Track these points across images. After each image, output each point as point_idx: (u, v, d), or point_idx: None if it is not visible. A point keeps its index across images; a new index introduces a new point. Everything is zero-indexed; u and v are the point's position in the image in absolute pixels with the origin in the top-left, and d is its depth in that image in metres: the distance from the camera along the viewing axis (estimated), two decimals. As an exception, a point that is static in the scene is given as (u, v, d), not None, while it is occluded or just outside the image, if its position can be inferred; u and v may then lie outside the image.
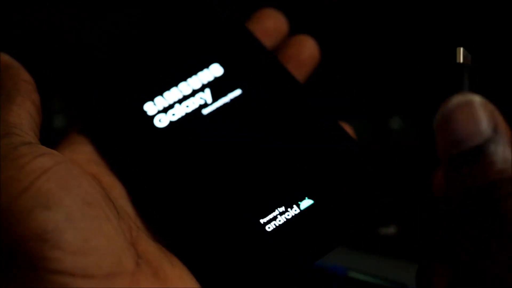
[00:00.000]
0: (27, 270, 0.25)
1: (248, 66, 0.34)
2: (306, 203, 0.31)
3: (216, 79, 0.34)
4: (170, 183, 0.31)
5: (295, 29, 0.40)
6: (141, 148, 0.32)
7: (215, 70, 0.34)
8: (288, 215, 0.31)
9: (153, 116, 0.32)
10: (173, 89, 0.33)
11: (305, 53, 0.35)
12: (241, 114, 0.33)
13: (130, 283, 0.27)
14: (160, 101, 0.33)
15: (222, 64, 0.34)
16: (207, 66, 0.34)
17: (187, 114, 0.33)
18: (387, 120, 0.51)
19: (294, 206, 0.31)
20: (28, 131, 0.29)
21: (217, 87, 0.33)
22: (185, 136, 0.32)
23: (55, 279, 0.25)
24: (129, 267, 0.27)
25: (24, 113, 0.30)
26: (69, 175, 0.27)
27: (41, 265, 0.25)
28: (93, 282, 0.26)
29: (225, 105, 0.33)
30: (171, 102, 0.33)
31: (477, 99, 0.24)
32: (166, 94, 0.33)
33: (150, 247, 0.30)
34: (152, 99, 0.33)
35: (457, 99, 0.24)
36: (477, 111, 0.24)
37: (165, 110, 0.33)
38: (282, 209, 0.31)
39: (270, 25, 0.36)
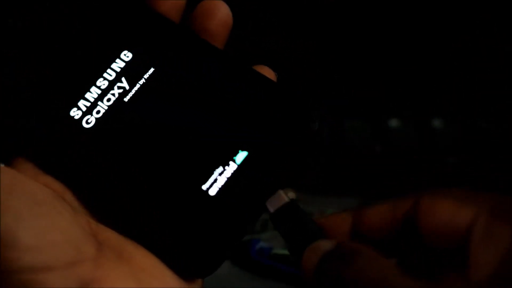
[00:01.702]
0: None
1: (154, 42, 0.35)
2: (241, 156, 0.32)
3: (128, 65, 0.34)
4: (112, 177, 0.32)
5: (295, 29, 0.39)
6: (77, 153, 0.33)
7: (125, 57, 0.35)
8: (227, 173, 0.31)
9: (80, 119, 0.33)
10: (92, 88, 0.34)
11: (213, 22, 0.35)
12: (160, 89, 0.34)
13: (93, 268, 0.28)
14: (83, 103, 0.34)
15: (129, 49, 0.35)
16: (118, 56, 0.35)
17: (110, 107, 0.33)
18: (387, 120, 0.51)
19: (231, 162, 0.31)
20: None
21: (131, 72, 0.34)
22: (115, 127, 0.33)
23: (17, 277, 0.27)
24: (89, 253, 0.28)
25: None
26: (15, 180, 0.29)
27: (3, 267, 0.27)
28: (54, 273, 0.27)
29: (143, 86, 0.34)
30: (93, 101, 0.34)
31: (315, 242, 0.30)
32: (87, 95, 0.34)
33: (112, 235, 0.30)
34: (75, 104, 0.34)
35: (306, 253, 0.30)
36: (315, 246, 0.30)
37: (89, 110, 0.33)
38: (220, 169, 0.31)
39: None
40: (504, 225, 0.27)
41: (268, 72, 0.35)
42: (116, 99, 0.34)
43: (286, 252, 0.48)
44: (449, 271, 0.29)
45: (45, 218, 0.28)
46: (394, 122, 0.51)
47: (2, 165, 0.30)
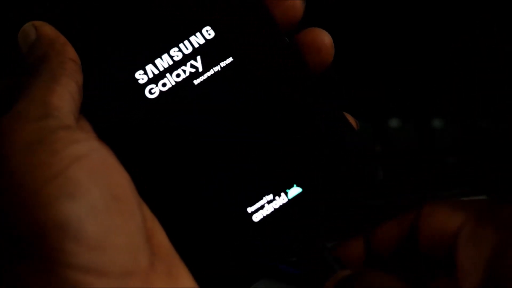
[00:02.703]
0: (40, 261, 0.25)
1: (241, 31, 0.32)
2: (294, 191, 0.30)
3: (207, 43, 0.32)
4: (161, 159, 0.30)
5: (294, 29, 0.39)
6: (133, 122, 0.31)
7: (207, 34, 0.32)
8: (275, 204, 0.30)
9: (144, 85, 0.31)
10: (165, 55, 0.32)
11: (322, 41, 0.33)
12: (233, 85, 0.31)
13: (143, 283, 0.26)
14: (151, 69, 0.32)
15: (213, 27, 0.32)
16: (199, 30, 0.32)
17: (177, 84, 0.31)
18: (387, 120, 0.51)
19: (282, 194, 0.30)
20: (68, 114, 0.28)
21: (209, 53, 0.32)
22: (177, 109, 0.31)
23: (67, 274, 0.24)
24: (143, 265, 0.26)
25: (67, 95, 0.28)
26: (102, 164, 0.26)
27: (56, 257, 0.24)
28: (106, 281, 0.25)
29: (216, 74, 0.31)
30: (162, 70, 0.31)
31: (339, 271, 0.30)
32: (157, 61, 0.32)
33: (163, 239, 0.29)
34: (143, 67, 0.32)
35: (328, 284, 0.30)
36: (334, 276, 0.30)
37: (156, 79, 0.31)
38: (270, 197, 0.30)
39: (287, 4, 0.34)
40: (488, 231, 0.27)
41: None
42: (186, 77, 0.31)
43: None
44: (441, 279, 0.29)
45: (117, 217, 0.26)
46: (394, 122, 0.51)
47: (95, 142, 0.27)
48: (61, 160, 0.26)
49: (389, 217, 0.31)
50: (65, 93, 0.28)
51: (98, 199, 0.26)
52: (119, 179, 0.27)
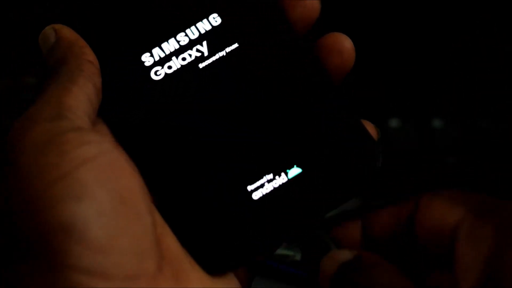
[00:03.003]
0: (44, 263, 0.24)
1: (247, 16, 0.33)
2: (294, 171, 0.30)
3: (213, 30, 0.33)
4: (162, 143, 0.31)
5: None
6: (138, 103, 0.31)
7: (213, 21, 0.33)
8: (275, 183, 0.30)
9: (150, 67, 0.32)
10: (171, 39, 0.33)
11: (343, 44, 0.34)
12: (238, 69, 0.32)
13: (149, 287, 0.26)
14: (158, 52, 0.32)
15: (220, 15, 0.33)
16: (206, 17, 0.33)
17: (182, 67, 0.32)
18: (387, 120, 0.51)
19: (282, 174, 0.30)
20: (82, 115, 0.28)
21: (215, 39, 0.32)
22: (182, 91, 0.32)
23: (70, 276, 0.24)
24: (150, 269, 0.26)
25: (83, 96, 0.28)
26: (111, 166, 0.26)
27: (60, 259, 0.24)
28: (110, 284, 0.25)
29: (221, 59, 0.32)
30: (168, 53, 0.32)
31: (333, 251, 0.30)
32: (164, 45, 0.32)
33: (173, 244, 0.29)
34: (149, 50, 0.32)
35: (322, 260, 0.30)
36: (334, 255, 0.30)
37: (162, 61, 0.32)
38: (270, 176, 0.30)
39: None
40: (486, 227, 0.27)
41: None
42: (192, 61, 0.32)
43: (286, 252, 0.48)
44: (438, 272, 0.29)
45: (124, 219, 0.26)
46: (394, 122, 0.51)
47: (107, 144, 0.27)
48: (69, 162, 0.26)
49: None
50: (80, 94, 0.28)
51: (104, 201, 0.25)
52: (127, 182, 0.27)
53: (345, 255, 0.29)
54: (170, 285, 0.27)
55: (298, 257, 0.47)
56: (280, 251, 0.48)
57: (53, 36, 0.31)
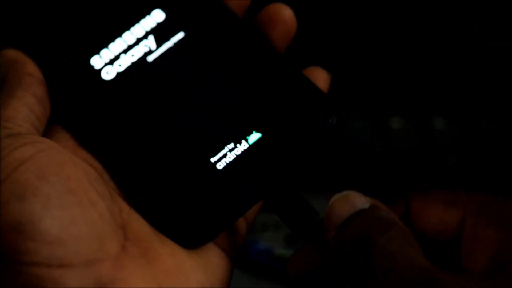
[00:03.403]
0: (2, 264, 0.25)
1: (188, 7, 0.34)
2: (254, 137, 0.31)
3: (158, 24, 0.34)
4: (123, 133, 0.31)
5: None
6: (92, 105, 0.32)
7: (157, 16, 0.34)
8: (237, 151, 0.31)
9: (100, 70, 0.33)
10: (118, 39, 0.33)
11: (276, 31, 0.34)
12: (186, 56, 0.33)
13: (112, 268, 0.27)
14: (106, 54, 0.33)
15: (163, 9, 0.34)
16: (148, 13, 0.34)
17: (133, 64, 0.33)
18: (387, 120, 0.51)
19: (243, 141, 0.31)
20: (22, 123, 0.29)
21: (160, 33, 0.33)
22: (133, 86, 0.32)
23: (30, 271, 0.25)
24: (112, 251, 0.27)
25: (22, 106, 0.29)
26: (52, 162, 0.27)
27: (16, 258, 0.25)
28: (71, 271, 0.26)
29: (169, 50, 0.33)
30: (117, 53, 0.33)
31: (350, 192, 0.29)
32: (111, 45, 0.33)
33: (142, 227, 0.29)
34: (98, 52, 0.33)
35: (335, 197, 0.29)
36: (350, 197, 0.28)
37: (111, 62, 0.33)
38: (231, 145, 0.31)
39: None
40: (490, 228, 0.27)
41: (321, 74, 0.34)
42: (141, 57, 0.33)
43: (286, 252, 0.48)
44: (444, 260, 0.29)
45: (74, 208, 0.26)
46: (394, 122, 0.51)
47: (46, 143, 0.28)
48: (5, 167, 0.26)
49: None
50: (19, 105, 0.29)
51: (49, 194, 0.26)
52: (73, 173, 0.27)
53: (362, 200, 0.28)
54: (136, 263, 0.28)
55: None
56: (280, 251, 0.48)
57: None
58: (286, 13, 0.34)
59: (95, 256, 0.26)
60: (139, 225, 0.29)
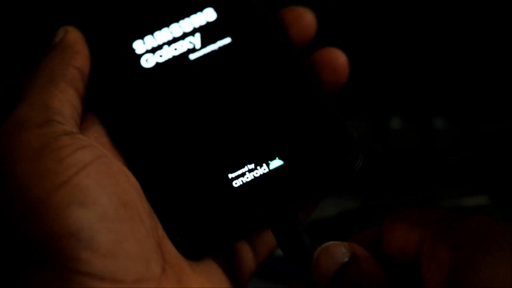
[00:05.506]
0: (55, 270, 0.24)
1: (241, 15, 0.33)
2: (275, 163, 0.31)
3: (208, 24, 0.33)
4: (149, 132, 0.31)
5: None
6: (126, 88, 0.31)
7: (209, 15, 0.33)
8: (256, 173, 0.31)
9: (141, 55, 0.32)
10: (164, 29, 0.33)
11: (337, 60, 0.34)
12: (228, 64, 0.32)
13: None
14: (150, 41, 0.33)
15: (216, 9, 0.33)
16: (200, 10, 0.33)
17: (174, 57, 0.32)
18: (387, 120, 0.51)
19: (264, 164, 0.31)
20: (69, 120, 0.28)
21: (208, 33, 0.33)
22: (168, 80, 0.32)
23: (82, 281, 0.24)
24: (156, 272, 0.26)
25: (66, 101, 0.28)
26: (108, 171, 0.26)
27: (71, 265, 0.24)
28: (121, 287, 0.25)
29: (212, 53, 0.33)
30: (160, 43, 0.33)
31: (329, 244, 0.29)
32: (156, 34, 0.33)
33: (172, 247, 0.29)
34: (142, 38, 0.33)
35: (317, 251, 0.29)
36: (332, 249, 0.29)
37: (153, 50, 0.32)
38: (251, 166, 0.31)
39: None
40: (444, 248, 0.26)
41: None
42: (183, 52, 0.33)
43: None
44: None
45: (127, 223, 0.26)
46: (394, 122, 0.51)
47: (100, 148, 0.27)
48: (67, 168, 0.25)
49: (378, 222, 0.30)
50: (64, 99, 0.28)
51: (107, 206, 0.25)
52: (126, 185, 0.27)
53: (341, 251, 0.28)
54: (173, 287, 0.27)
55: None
56: (279, 252, 0.48)
57: (60, 36, 0.31)
58: (341, 60, 0.34)
59: (141, 275, 0.26)
60: (170, 244, 0.29)
